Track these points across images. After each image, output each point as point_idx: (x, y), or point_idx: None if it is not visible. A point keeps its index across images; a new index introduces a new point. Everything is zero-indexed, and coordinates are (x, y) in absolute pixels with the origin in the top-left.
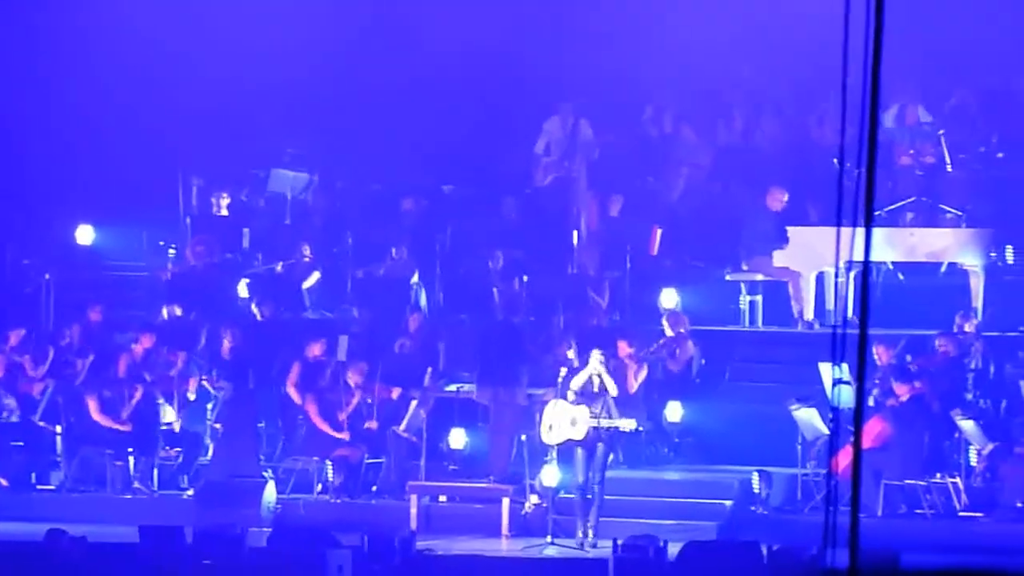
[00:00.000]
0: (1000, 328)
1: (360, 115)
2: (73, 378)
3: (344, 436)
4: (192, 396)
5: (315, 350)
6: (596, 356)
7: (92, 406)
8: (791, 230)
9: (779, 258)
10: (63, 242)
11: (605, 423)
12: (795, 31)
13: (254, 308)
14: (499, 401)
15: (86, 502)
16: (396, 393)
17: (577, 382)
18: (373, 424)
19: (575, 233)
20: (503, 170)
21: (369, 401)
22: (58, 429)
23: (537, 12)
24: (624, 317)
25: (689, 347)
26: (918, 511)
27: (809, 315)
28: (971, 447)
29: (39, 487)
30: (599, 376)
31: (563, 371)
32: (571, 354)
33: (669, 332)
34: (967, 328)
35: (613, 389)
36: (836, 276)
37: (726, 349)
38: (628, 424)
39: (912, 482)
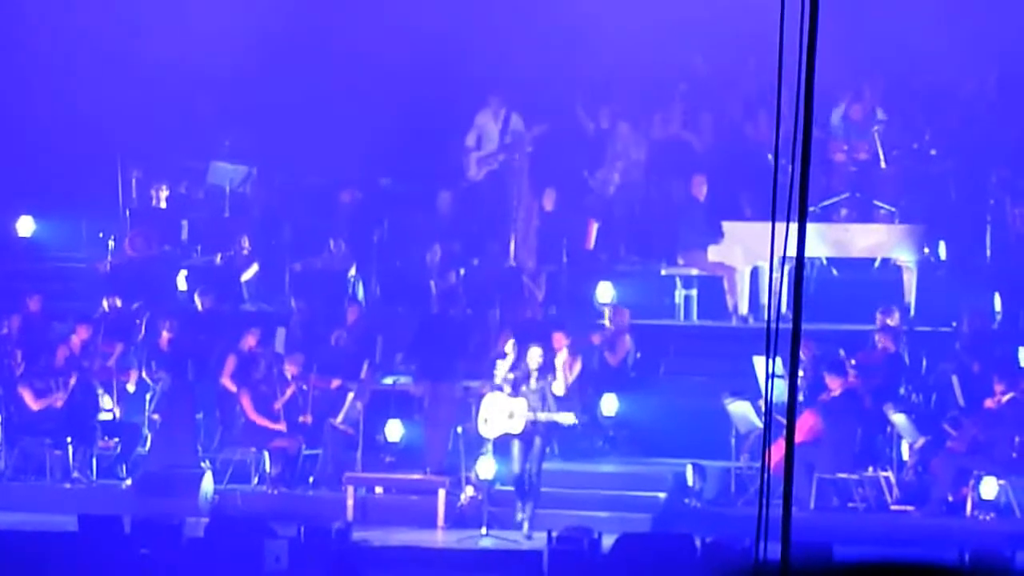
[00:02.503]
0: (932, 324)
1: (298, 108)
2: (12, 368)
3: (281, 427)
4: (131, 388)
5: (249, 341)
6: (535, 350)
7: (27, 396)
8: (726, 225)
9: (714, 253)
10: (3, 233)
11: (543, 417)
12: (732, 26)
13: (196, 299)
14: (435, 394)
15: (25, 491)
16: (335, 384)
17: (503, 372)
18: (308, 418)
19: (512, 227)
20: (440, 164)
21: (304, 388)
22: None
23: (475, 5)
24: (560, 310)
25: (626, 341)
26: (850, 504)
27: (744, 309)
28: (903, 441)
29: None
30: (537, 370)
31: (500, 364)
32: (508, 347)
33: (610, 326)
34: (889, 323)
35: (560, 388)
36: (770, 271)
37: (661, 343)
38: (567, 418)
39: (844, 476)
